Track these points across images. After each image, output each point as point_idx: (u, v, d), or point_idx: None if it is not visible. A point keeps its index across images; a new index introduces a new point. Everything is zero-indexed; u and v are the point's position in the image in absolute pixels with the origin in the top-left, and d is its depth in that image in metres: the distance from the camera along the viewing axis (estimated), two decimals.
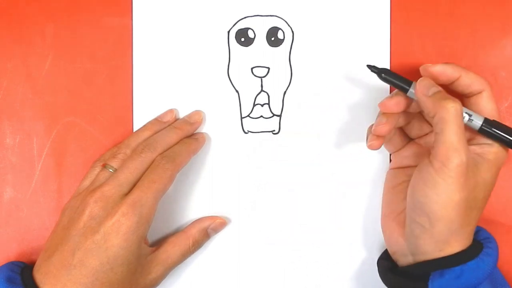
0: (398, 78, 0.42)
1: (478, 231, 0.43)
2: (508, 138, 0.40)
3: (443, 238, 0.40)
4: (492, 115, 0.41)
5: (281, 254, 0.48)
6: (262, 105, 0.48)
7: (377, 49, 0.48)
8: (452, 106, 0.38)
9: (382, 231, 0.46)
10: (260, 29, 0.48)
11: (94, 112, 0.48)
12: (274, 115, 0.48)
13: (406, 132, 0.46)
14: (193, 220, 0.47)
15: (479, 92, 0.42)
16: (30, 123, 0.48)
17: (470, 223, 0.40)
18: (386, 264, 0.44)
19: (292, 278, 0.48)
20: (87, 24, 0.48)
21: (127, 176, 0.42)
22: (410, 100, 0.42)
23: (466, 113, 0.40)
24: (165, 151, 0.44)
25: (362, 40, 0.48)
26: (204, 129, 0.48)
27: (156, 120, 0.47)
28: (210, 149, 0.48)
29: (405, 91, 0.41)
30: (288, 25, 0.48)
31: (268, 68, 0.48)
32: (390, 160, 0.47)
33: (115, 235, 0.40)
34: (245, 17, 0.48)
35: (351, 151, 0.48)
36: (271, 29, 0.48)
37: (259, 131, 0.48)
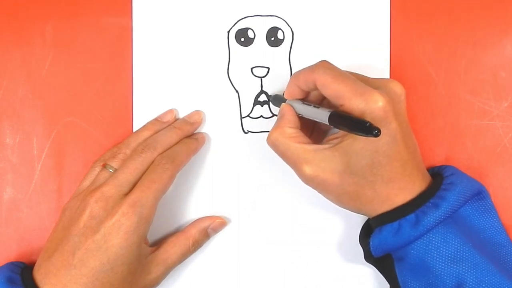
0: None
1: (450, 175, 0.42)
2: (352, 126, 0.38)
3: (367, 199, 0.40)
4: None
5: (281, 254, 0.48)
6: (262, 105, 0.48)
7: (377, 49, 0.48)
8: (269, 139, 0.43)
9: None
10: (260, 29, 0.48)
11: (94, 112, 0.48)
12: (274, 115, 0.48)
13: None
14: (193, 220, 0.47)
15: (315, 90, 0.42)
16: (30, 123, 0.48)
17: (389, 179, 0.39)
18: (366, 225, 0.45)
19: (292, 278, 0.48)
20: (87, 24, 0.48)
21: (127, 176, 0.42)
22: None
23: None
24: (165, 151, 0.44)
25: (362, 40, 0.48)
26: (204, 129, 0.48)
27: (156, 120, 0.47)
28: (210, 149, 0.48)
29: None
30: (288, 25, 0.48)
31: (268, 68, 0.48)
32: None
33: (115, 235, 0.40)
34: (245, 17, 0.48)
35: None
36: (271, 29, 0.48)
37: (259, 131, 0.48)
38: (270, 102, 0.48)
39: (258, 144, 0.48)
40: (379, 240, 0.41)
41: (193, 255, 0.47)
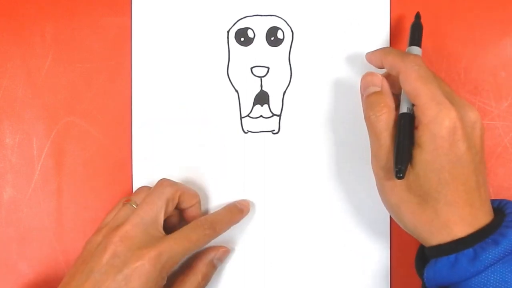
0: None
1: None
2: None
3: (434, 220, 0.39)
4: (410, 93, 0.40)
5: (281, 254, 0.48)
6: (261, 105, 0.48)
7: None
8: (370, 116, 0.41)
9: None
10: (259, 28, 0.48)
11: (94, 112, 0.48)
12: (273, 114, 0.48)
13: None
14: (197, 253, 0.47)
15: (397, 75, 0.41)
16: (30, 123, 0.48)
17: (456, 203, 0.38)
18: (421, 252, 0.43)
19: (292, 278, 0.48)
20: (87, 24, 0.48)
21: (148, 213, 0.42)
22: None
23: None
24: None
25: (362, 40, 0.48)
26: (204, 128, 0.48)
27: None
28: (209, 149, 0.48)
29: None
30: (288, 25, 0.48)
31: (268, 68, 0.48)
32: None
33: (137, 278, 0.40)
34: (244, 17, 0.48)
35: (351, 151, 0.48)
36: (270, 28, 0.48)
37: (259, 131, 0.48)
38: None
39: (258, 144, 0.48)
40: (434, 273, 0.39)
41: None
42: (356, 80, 0.48)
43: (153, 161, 0.48)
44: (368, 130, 0.42)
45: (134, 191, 0.48)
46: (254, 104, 0.48)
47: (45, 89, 0.48)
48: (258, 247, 0.48)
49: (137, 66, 0.48)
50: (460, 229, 0.38)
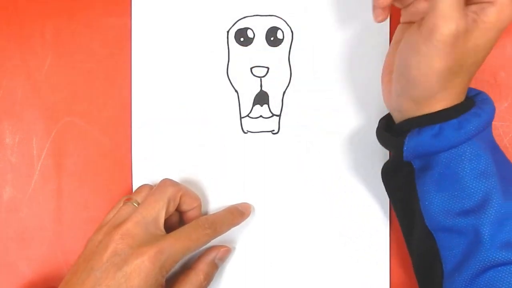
0: None
1: (477, 94, 0.42)
2: None
3: (421, 100, 0.39)
4: None
5: (281, 253, 0.48)
6: (261, 105, 0.48)
7: (376, 49, 0.48)
8: None
9: (381, 83, 0.44)
10: (259, 29, 0.48)
11: (94, 112, 0.48)
12: (273, 115, 0.48)
13: None
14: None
15: None
16: (29, 123, 0.48)
17: (454, 86, 0.39)
18: (383, 122, 0.44)
19: (292, 277, 0.48)
20: (86, 24, 0.48)
21: (150, 212, 0.42)
22: None
23: None
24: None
25: (361, 39, 0.48)
26: (204, 129, 0.48)
27: None
28: (209, 149, 0.48)
29: None
30: (288, 25, 0.48)
31: (268, 68, 0.48)
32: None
33: (137, 275, 0.40)
34: (244, 17, 0.48)
35: (351, 151, 0.48)
36: (270, 29, 0.48)
37: (259, 131, 0.48)
38: None
39: (258, 144, 0.48)
40: (415, 142, 0.39)
41: None
42: (356, 80, 0.48)
43: (153, 161, 0.48)
44: None
45: (134, 190, 0.48)
46: (253, 104, 0.48)
47: (45, 89, 0.48)
48: (257, 247, 0.48)
49: (137, 66, 0.48)
50: (442, 104, 0.39)
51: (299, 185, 0.48)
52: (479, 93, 0.42)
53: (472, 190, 0.38)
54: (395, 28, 0.44)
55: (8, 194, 0.48)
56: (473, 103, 0.40)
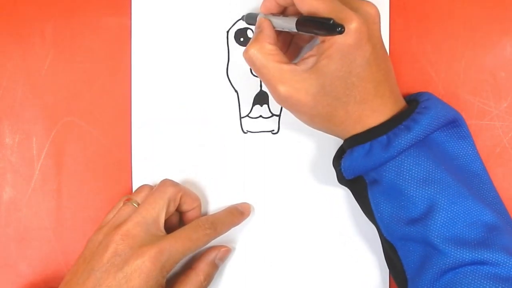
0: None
1: (426, 99, 0.42)
2: (321, 25, 0.38)
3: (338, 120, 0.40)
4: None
5: (281, 253, 0.48)
6: (261, 105, 0.48)
7: None
8: (246, 53, 0.41)
9: None
10: None
11: (93, 112, 0.48)
12: (273, 115, 0.48)
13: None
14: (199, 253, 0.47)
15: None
16: (29, 123, 0.48)
17: (364, 101, 0.39)
18: (340, 149, 0.44)
19: (292, 277, 0.48)
20: (86, 24, 0.48)
21: (150, 212, 0.42)
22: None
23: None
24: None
25: None
26: (204, 129, 0.48)
27: None
28: (209, 149, 0.48)
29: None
30: None
31: None
32: None
33: (137, 276, 0.40)
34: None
35: None
36: None
37: (258, 131, 0.48)
38: (243, 20, 0.47)
39: (257, 144, 0.48)
40: (350, 162, 0.41)
41: None
42: None
43: (152, 161, 0.48)
44: None
45: (134, 190, 0.48)
46: (253, 104, 0.48)
47: (44, 89, 0.48)
48: (257, 247, 0.48)
49: (137, 66, 0.48)
50: (373, 120, 0.40)
51: (299, 185, 0.48)
52: (427, 99, 0.42)
53: (416, 199, 0.39)
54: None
55: (8, 194, 0.48)
56: (409, 114, 0.40)
